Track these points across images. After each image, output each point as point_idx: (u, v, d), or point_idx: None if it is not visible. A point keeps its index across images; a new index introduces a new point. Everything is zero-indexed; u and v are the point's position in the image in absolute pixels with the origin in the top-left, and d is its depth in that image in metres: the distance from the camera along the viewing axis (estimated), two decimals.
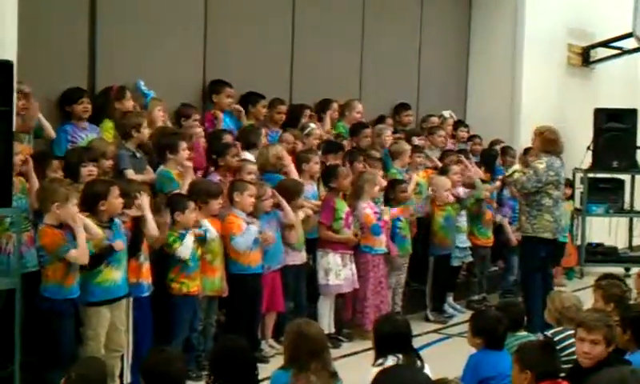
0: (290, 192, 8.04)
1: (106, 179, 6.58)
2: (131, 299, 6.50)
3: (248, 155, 8.25)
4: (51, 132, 7.23)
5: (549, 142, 9.00)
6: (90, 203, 6.20)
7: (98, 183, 6.43)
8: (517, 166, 9.74)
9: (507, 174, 9.93)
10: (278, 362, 6.32)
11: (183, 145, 7.42)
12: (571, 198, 12.29)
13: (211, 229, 7.14)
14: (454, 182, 9.86)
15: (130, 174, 7.22)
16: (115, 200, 6.28)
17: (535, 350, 4.85)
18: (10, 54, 6.25)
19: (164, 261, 6.92)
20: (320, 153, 8.97)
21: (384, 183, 9.09)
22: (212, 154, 8.01)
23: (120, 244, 6.25)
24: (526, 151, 11.63)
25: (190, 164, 7.51)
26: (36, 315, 5.99)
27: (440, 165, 10.35)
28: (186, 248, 6.86)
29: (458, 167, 10.10)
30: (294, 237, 8.03)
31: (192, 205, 6.99)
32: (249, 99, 9.19)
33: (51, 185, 6.10)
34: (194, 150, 7.78)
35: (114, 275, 6.25)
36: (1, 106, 5.86)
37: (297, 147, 8.95)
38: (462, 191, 9.98)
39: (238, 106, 9.00)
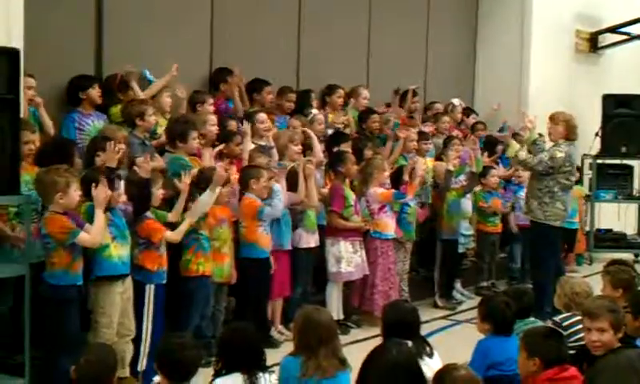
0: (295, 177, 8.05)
1: (107, 168, 6.49)
2: (152, 287, 6.53)
3: (251, 144, 8.23)
4: (51, 129, 7.19)
5: (572, 129, 8.95)
6: (89, 191, 6.13)
7: (98, 172, 6.35)
8: (517, 147, 9.49)
9: (511, 155, 9.66)
10: (287, 347, 6.34)
11: (194, 134, 7.42)
12: (579, 182, 12.23)
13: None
14: (454, 166, 9.84)
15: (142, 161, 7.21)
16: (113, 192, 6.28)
17: (542, 337, 4.84)
18: (17, 42, 6.25)
19: (177, 245, 6.90)
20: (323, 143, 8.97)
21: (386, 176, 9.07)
22: (216, 142, 7.99)
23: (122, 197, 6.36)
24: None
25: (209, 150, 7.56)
26: (41, 303, 5.97)
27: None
28: (205, 200, 6.87)
29: (454, 151, 10.04)
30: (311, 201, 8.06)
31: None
32: (254, 86, 9.19)
33: (48, 175, 5.93)
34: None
35: (120, 251, 6.25)
36: (8, 94, 5.87)
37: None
38: (462, 177, 9.98)
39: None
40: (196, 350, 4.56)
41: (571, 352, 5.10)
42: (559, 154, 8.80)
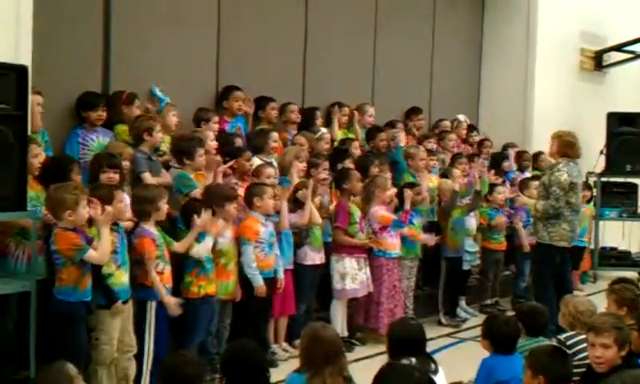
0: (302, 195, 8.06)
1: (111, 184, 6.55)
2: (153, 304, 6.51)
3: (256, 160, 8.25)
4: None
5: (567, 146, 8.88)
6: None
7: (102, 188, 6.39)
8: (532, 202, 9.33)
9: (531, 210, 9.65)
10: (291, 364, 6.34)
11: (200, 151, 7.46)
12: (590, 201, 12.24)
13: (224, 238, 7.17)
14: (460, 184, 9.87)
15: (148, 177, 7.25)
16: (119, 205, 6.29)
17: (546, 356, 4.85)
18: (25, 58, 6.29)
19: (180, 265, 6.92)
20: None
21: (393, 190, 9.09)
22: (225, 158, 8.01)
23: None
24: (536, 156, 11.66)
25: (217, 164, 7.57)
26: (49, 319, 5.98)
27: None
28: (204, 248, 6.89)
29: (459, 170, 10.09)
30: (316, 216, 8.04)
31: (209, 211, 7.01)
32: (259, 103, 9.22)
33: (56, 193, 5.96)
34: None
35: (123, 278, 6.27)
36: (16, 111, 5.90)
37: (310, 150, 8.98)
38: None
39: None
40: (199, 367, 4.56)
41: (576, 371, 5.11)
42: (562, 177, 8.79)
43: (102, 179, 6.66)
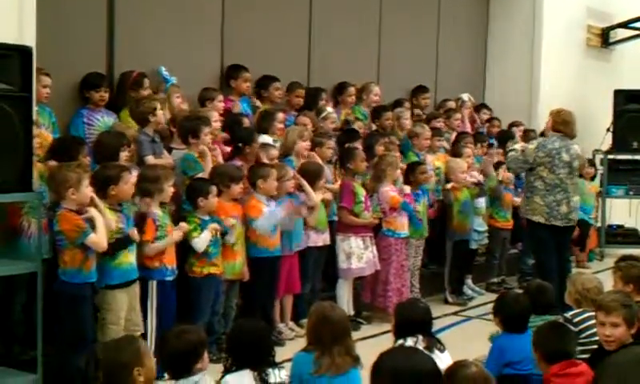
0: (312, 175, 8.06)
1: (119, 164, 6.53)
2: (155, 283, 6.53)
3: (268, 138, 8.24)
4: None
5: (561, 123, 8.77)
6: (101, 187, 6.16)
7: (110, 167, 6.37)
8: (517, 145, 9.50)
9: (507, 149, 9.78)
10: (297, 343, 6.35)
11: (205, 130, 7.44)
12: (594, 178, 12.23)
13: (233, 222, 7.18)
14: (469, 164, 9.85)
15: (151, 159, 7.24)
16: (125, 186, 6.28)
17: (544, 331, 4.86)
18: (29, 39, 6.27)
19: (186, 244, 6.94)
20: (334, 140, 8.91)
21: (403, 167, 9.13)
22: (236, 141, 7.98)
23: (135, 234, 6.32)
24: (543, 134, 11.63)
25: (206, 148, 7.52)
26: (55, 300, 5.99)
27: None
28: (202, 242, 6.91)
29: (470, 150, 10.09)
30: (313, 220, 8.05)
31: (214, 189, 7.01)
32: (262, 83, 9.19)
33: (60, 172, 5.97)
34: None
35: (130, 258, 6.28)
36: (21, 92, 5.88)
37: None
38: (477, 175, 10.00)
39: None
40: (195, 335, 4.51)
41: (584, 348, 5.12)
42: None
43: (121, 157, 6.66)
